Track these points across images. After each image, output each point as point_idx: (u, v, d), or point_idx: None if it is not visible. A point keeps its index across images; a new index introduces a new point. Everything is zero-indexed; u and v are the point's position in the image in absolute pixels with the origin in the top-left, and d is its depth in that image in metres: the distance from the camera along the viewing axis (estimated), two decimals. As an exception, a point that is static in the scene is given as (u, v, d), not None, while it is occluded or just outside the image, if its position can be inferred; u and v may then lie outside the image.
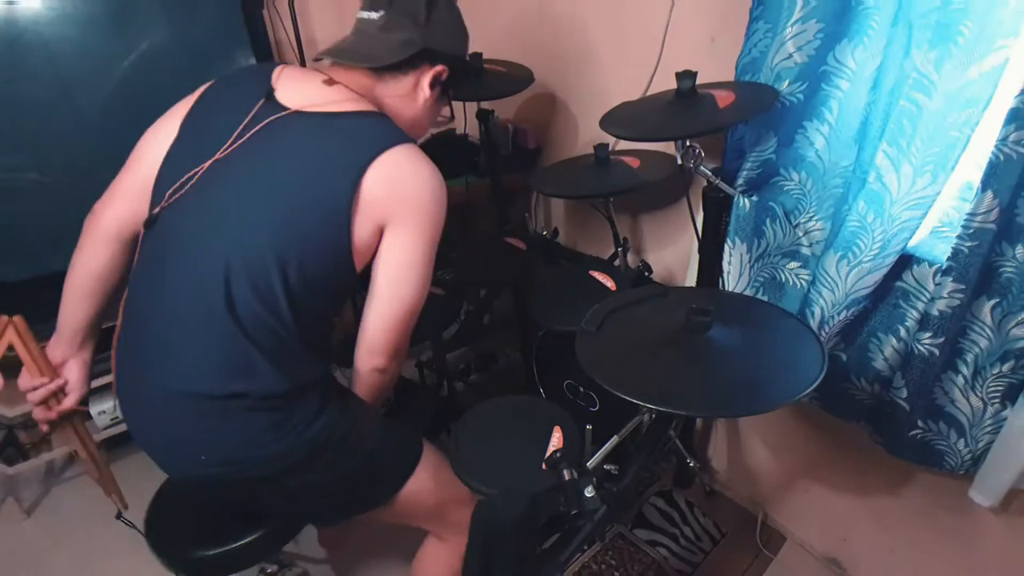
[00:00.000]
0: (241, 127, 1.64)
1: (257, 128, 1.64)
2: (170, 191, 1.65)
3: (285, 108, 1.67)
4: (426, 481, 1.90)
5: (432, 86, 1.86)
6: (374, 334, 1.75)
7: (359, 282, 1.71)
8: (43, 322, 2.69)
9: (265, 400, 1.60)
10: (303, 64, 3.26)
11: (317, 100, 1.69)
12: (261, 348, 1.58)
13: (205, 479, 1.73)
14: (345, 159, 1.61)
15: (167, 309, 1.64)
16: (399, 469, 1.89)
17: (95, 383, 2.76)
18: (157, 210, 1.67)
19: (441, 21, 1.81)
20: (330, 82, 1.76)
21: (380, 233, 1.66)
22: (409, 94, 1.87)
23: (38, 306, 2.72)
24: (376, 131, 1.68)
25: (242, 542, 1.89)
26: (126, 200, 1.84)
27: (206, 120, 1.75)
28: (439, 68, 1.85)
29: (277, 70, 1.78)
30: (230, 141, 1.64)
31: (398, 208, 1.64)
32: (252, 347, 1.57)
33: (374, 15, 1.78)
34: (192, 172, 1.64)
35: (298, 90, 1.73)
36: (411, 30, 1.76)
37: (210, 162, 1.64)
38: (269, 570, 2.37)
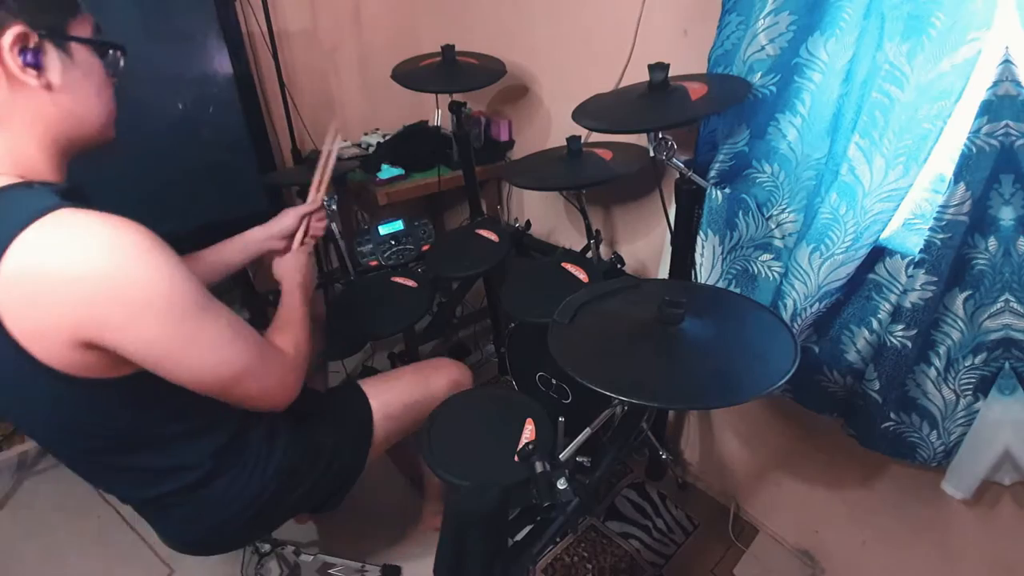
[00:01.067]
0: None
1: None
2: None
3: None
4: (387, 421, 2.04)
5: (32, 63, 1.25)
6: (241, 406, 1.55)
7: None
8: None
9: (205, 475, 1.64)
10: (276, 58, 3.26)
11: None
12: (148, 458, 1.55)
13: (210, 542, 1.85)
14: None
15: None
16: (362, 435, 1.99)
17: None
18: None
19: None
20: None
21: (92, 348, 1.24)
22: (24, 102, 1.29)
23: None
24: None
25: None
26: None
27: None
28: (8, 37, 1.21)
29: None
30: None
31: (91, 315, 1.19)
32: (137, 461, 1.55)
33: None
34: None
35: None
36: None
37: None
38: (263, 549, 2.39)
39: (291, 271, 2.01)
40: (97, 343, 1.21)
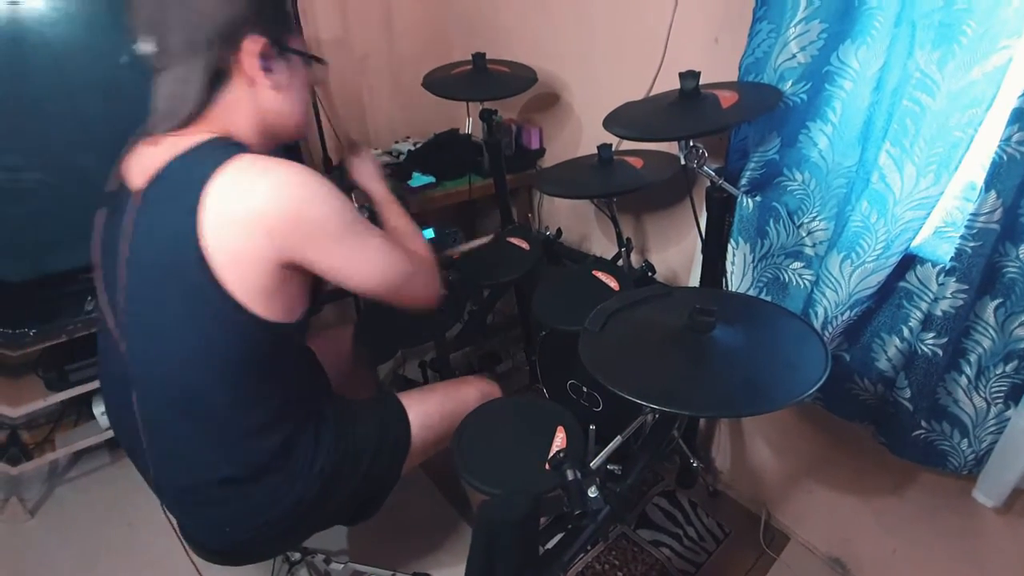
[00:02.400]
0: (123, 243, 1.54)
1: (127, 230, 1.53)
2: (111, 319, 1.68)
3: (130, 195, 1.55)
4: (424, 431, 2.06)
5: (266, 68, 1.57)
6: (404, 305, 1.78)
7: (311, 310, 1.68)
8: (46, 322, 2.69)
9: (260, 468, 1.69)
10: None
11: (151, 163, 1.51)
12: (234, 430, 1.65)
13: (243, 545, 1.85)
14: (178, 214, 1.41)
15: (146, 419, 1.68)
16: (399, 444, 2.01)
17: (98, 383, 2.77)
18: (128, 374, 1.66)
19: None
20: (154, 141, 1.55)
21: (287, 267, 1.48)
22: (246, 95, 1.59)
23: (39, 306, 2.72)
24: (200, 163, 1.45)
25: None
26: None
27: (104, 244, 1.68)
28: (252, 44, 1.52)
29: (128, 157, 1.66)
30: (121, 262, 1.55)
31: (287, 237, 1.43)
32: (225, 433, 1.65)
33: (147, 46, 1.50)
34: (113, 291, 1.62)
35: (135, 166, 1.60)
36: (184, 31, 1.48)
37: (121, 286, 1.57)
38: (293, 558, 2.41)
39: (375, 177, 2.27)
40: (297, 261, 1.48)
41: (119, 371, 1.66)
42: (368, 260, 1.62)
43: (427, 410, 2.09)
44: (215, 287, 1.42)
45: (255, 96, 1.59)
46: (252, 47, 1.52)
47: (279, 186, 1.43)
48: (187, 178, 1.43)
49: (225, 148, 1.48)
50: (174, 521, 1.86)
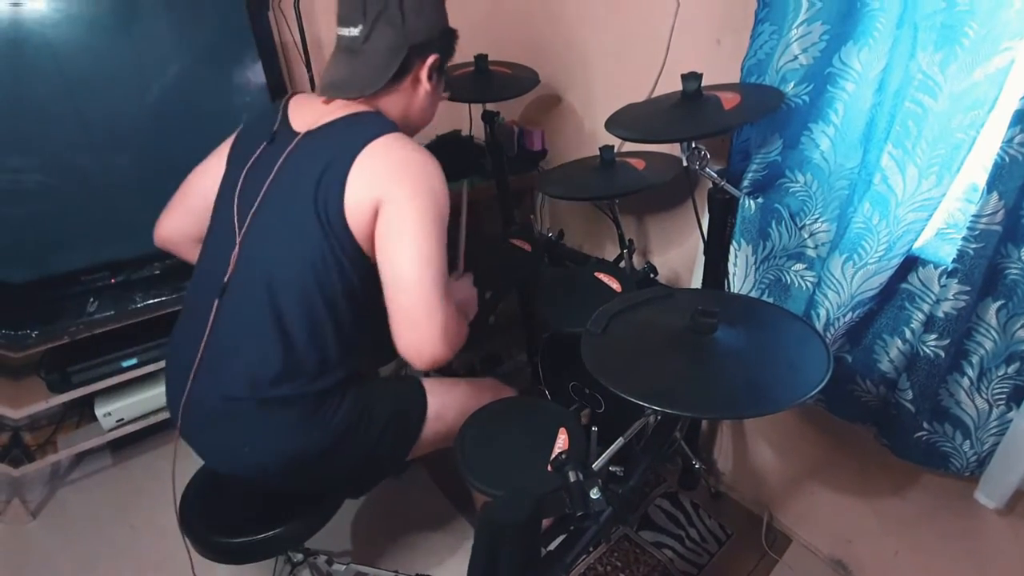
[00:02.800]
0: (275, 164, 1.86)
1: (281, 160, 1.85)
2: (238, 235, 1.88)
3: (296, 134, 1.88)
4: (437, 422, 2.12)
5: (430, 77, 1.96)
6: (397, 323, 1.78)
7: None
8: (48, 324, 2.70)
9: (300, 399, 1.84)
10: (308, 67, 3.27)
11: (319, 117, 1.88)
12: (304, 355, 1.82)
13: (249, 470, 1.94)
14: (339, 156, 1.75)
15: (222, 324, 1.86)
16: (412, 425, 2.08)
17: (101, 385, 2.77)
18: (228, 277, 1.87)
19: (416, 9, 1.85)
20: (327, 101, 1.92)
21: (376, 214, 1.75)
22: (409, 92, 1.97)
23: (41, 307, 2.72)
24: (366, 126, 1.82)
25: (271, 532, 1.98)
26: (175, 229, 2.19)
27: (244, 160, 1.95)
28: (432, 59, 1.94)
29: (291, 101, 2.03)
30: (267, 182, 1.85)
31: (388, 183, 1.73)
32: (296, 354, 1.81)
33: (353, 31, 1.85)
34: (246, 211, 1.88)
35: (304, 114, 1.94)
36: (393, 35, 1.84)
37: (258, 201, 1.86)
38: (295, 559, 2.41)
39: (461, 295, 2.36)
40: (381, 203, 1.73)
41: (214, 282, 1.87)
42: (419, 251, 1.73)
43: (445, 402, 2.14)
44: (342, 221, 1.74)
45: (415, 94, 1.98)
46: (431, 60, 1.93)
47: (415, 151, 1.80)
48: (354, 132, 1.80)
49: (386, 123, 1.84)
50: (177, 513, 1.88)
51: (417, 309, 1.74)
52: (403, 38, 1.85)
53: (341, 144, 1.79)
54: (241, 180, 1.92)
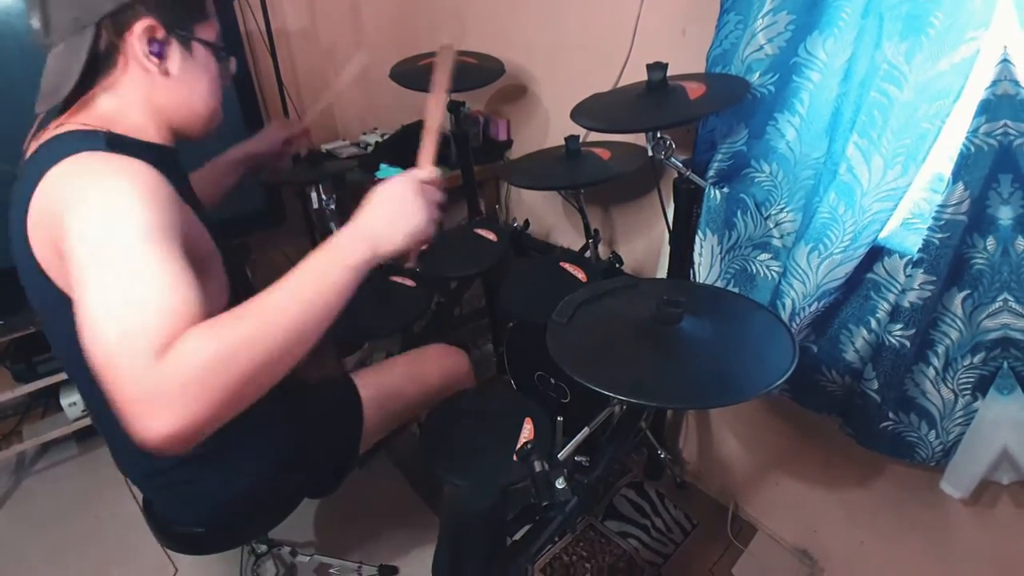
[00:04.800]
0: None
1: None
2: None
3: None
4: (379, 410, 2.03)
5: (156, 53, 1.45)
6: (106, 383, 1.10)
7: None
8: (13, 313, 2.68)
9: (204, 459, 1.66)
10: (274, 57, 3.26)
11: (29, 146, 1.46)
12: None
13: (207, 522, 1.85)
14: (18, 208, 1.32)
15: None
16: (352, 426, 1.99)
17: (65, 375, 2.76)
18: None
19: None
20: (37, 130, 1.47)
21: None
22: (136, 83, 1.48)
23: (6, 297, 2.70)
24: (48, 155, 1.30)
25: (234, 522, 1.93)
26: None
27: None
28: (140, 26, 1.40)
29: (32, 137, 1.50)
30: None
31: (58, 222, 1.20)
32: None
33: (34, 22, 1.41)
34: None
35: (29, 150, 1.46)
36: (69, 7, 1.38)
37: None
38: (259, 550, 2.40)
39: (376, 199, 1.50)
40: (61, 254, 1.22)
41: None
42: (99, 302, 1.12)
43: (382, 390, 2.08)
44: (45, 281, 1.32)
45: (149, 83, 1.47)
46: (138, 30, 1.39)
47: (80, 176, 1.26)
48: (34, 171, 1.29)
49: (79, 141, 1.33)
50: (140, 503, 1.87)
51: (110, 385, 1.07)
52: (83, 9, 1.37)
53: (21, 190, 1.32)
54: None
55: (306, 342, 1.25)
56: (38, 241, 1.29)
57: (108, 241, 1.16)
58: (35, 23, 1.41)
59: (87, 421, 3.13)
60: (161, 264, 1.16)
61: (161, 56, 1.46)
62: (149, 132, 1.52)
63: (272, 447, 1.77)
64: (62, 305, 1.27)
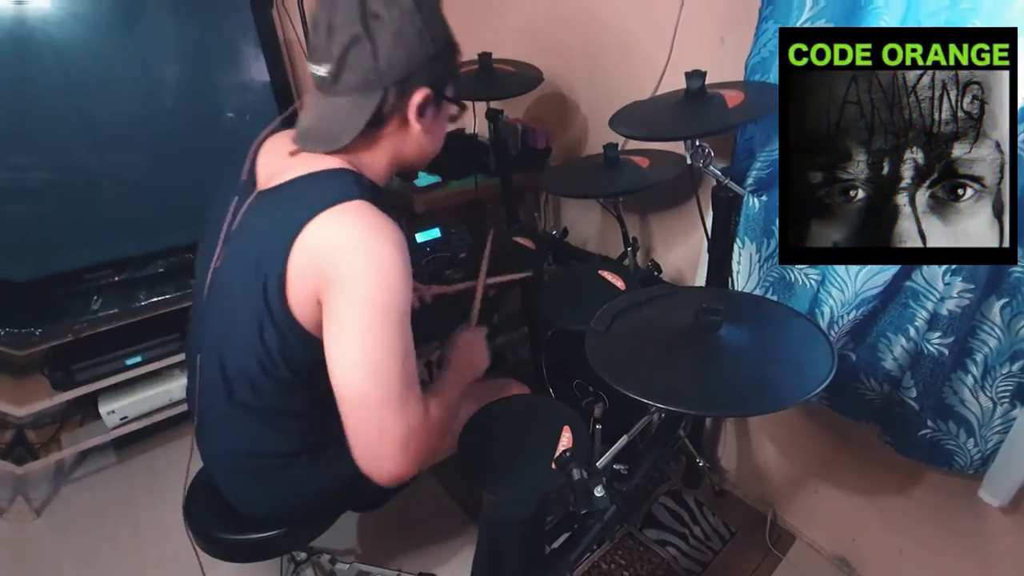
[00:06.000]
0: (225, 225, 1.68)
1: (238, 218, 1.65)
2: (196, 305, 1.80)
3: (256, 188, 1.66)
4: (452, 435, 1.98)
5: (421, 114, 1.61)
6: (351, 435, 1.49)
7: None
8: (52, 322, 2.70)
9: (285, 459, 1.80)
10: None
11: (280, 171, 1.62)
12: (275, 431, 1.76)
13: (274, 517, 1.95)
14: (284, 227, 1.48)
15: (203, 391, 1.79)
16: None
17: (105, 383, 2.77)
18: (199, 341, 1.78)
19: (394, 37, 1.49)
20: (294, 152, 1.63)
21: (320, 306, 1.49)
22: (394, 137, 1.66)
23: (45, 305, 2.72)
24: (322, 189, 1.52)
25: (277, 531, 1.95)
26: None
27: (214, 220, 1.75)
28: (419, 96, 1.58)
29: (264, 144, 1.79)
30: (220, 243, 1.68)
31: (332, 268, 1.44)
32: (248, 419, 1.73)
33: (321, 70, 1.54)
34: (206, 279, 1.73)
35: (269, 164, 1.70)
36: (364, 73, 1.51)
37: (210, 272, 1.71)
38: (299, 557, 2.42)
39: (466, 359, 2.06)
40: (321, 297, 1.47)
41: (195, 335, 1.81)
42: (364, 359, 1.43)
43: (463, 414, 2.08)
44: (282, 299, 1.50)
45: (403, 137, 1.66)
46: (418, 98, 1.57)
47: (371, 229, 1.47)
48: (308, 198, 1.50)
49: (349, 186, 1.53)
50: (182, 508, 1.89)
51: (367, 427, 1.47)
52: (376, 76, 1.51)
53: (290, 212, 1.50)
54: (206, 240, 1.77)
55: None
56: (297, 270, 1.47)
57: (385, 290, 1.44)
58: (321, 72, 1.53)
59: (125, 429, 3.16)
60: (407, 333, 1.50)
61: (423, 116, 1.62)
62: (383, 174, 1.72)
63: (344, 466, 1.70)
64: (283, 326, 1.54)
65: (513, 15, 3.39)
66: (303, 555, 2.46)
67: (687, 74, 2.03)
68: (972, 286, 1.71)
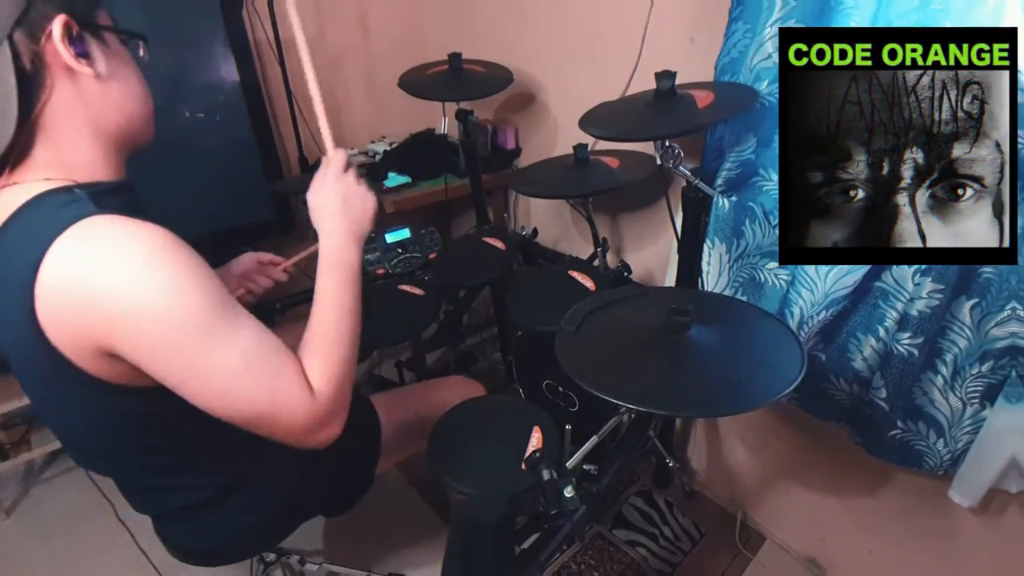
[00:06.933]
0: None
1: None
2: None
3: None
4: (396, 435, 2.05)
5: (80, 54, 1.21)
6: (270, 438, 1.32)
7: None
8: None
9: (214, 498, 1.65)
10: (282, 66, 3.25)
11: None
12: (153, 479, 1.60)
13: (219, 549, 1.86)
14: (11, 304, 1.15)
15: None
16: (370, 451, 2.00)
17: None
18: None
19: None
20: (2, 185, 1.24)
21: (115, 358, 1.19)
22: (71, 99, 1.24)
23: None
24: (27, 237, 1.15)
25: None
26: None
27: None
28: (56, 28, 1.16)
29: None
30: None
31: (97, 323, 1.14)
32: (145, 481, 1.62)
33: None
34: None
35: None
36: None
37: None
38: (268, 558, 2.42)
39: (324, 210, 1.59)
40: (116, 354, 1.17)
41: None
42: (209, 383, 1.22)
43: (402, 416, 2.08)
44: (66, 365, 1.20)
45: (80, 94, 1.24)
46: (56, 30, 1.16)
47: (114, 260, 1.13)
48: (25, 242, 1.15)
49: (64, 206, 1.17)
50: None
51: (272, 427, 1.29)
52: None
53: (8, 279, 1.16)
54: None
55: (359, 324, 1.50)
56: (57, 324, 1.15)
57: (189, 324, 1.17)
58: None
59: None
60: (242, 321, 1.27)
61: (87, 56, 1.23)
62: (104, 167, 1.35)
63: (288, 477, 1.75)
64: (79, 384, 1.23)
65: (483, 15, 3.38)
66: (272, 556, 2.45)
67: (657, 74, 2.03)
68: (942, 286, 1.71)
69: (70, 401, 1.34)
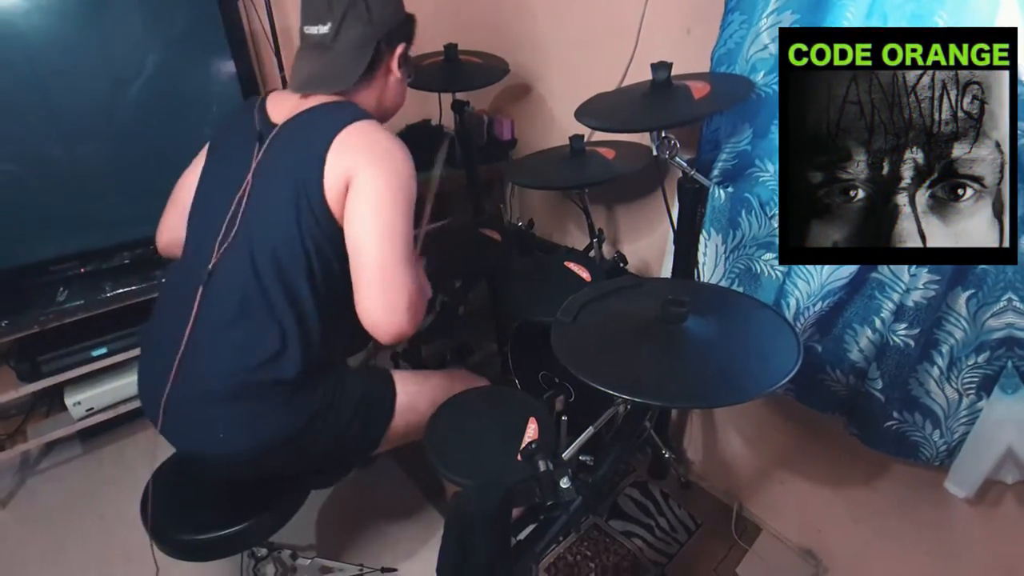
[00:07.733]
0: (255, 162, 1.91)
1: (263, 148, 1.91)
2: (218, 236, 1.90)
3: (275, 124, 1.93)
4: (408, 412, 2.11)
5: (400, 66, 2.07)
6: (360, 294, 1.79)
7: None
8: (18, 313, 2.67)
9: (280, 385, 1.84)
10: (278, 56, 3.25)
11: (297, 106, 1.94)
12: (290, 339, 1.84)
13: (218, 457, 1.94)
14: (317, 138, 1.82)
15: (207, 311, 1.87)
16: (383, 412, 2.07)
17: (71, 374, 2.75)
18: (212, 264, 1.88)
19: (382, 1, 1.96)
20: (304, 96, 1.96)
21: (347, 189, 1.81)
22: (381, 83, 2.07)
23: (11, 297, 2.69)
24: (342, 111, 1.90)
25: (236, 528, 1.96)
26: (172, 231, 2.17)
27: (223, 158, 2.07)
28: (400, 48, 2.05)
29: (267, 98, 2.06)
30: (251, 170, 1.90)
31: (360, 161, 1.80)
32: (283, 339, 1.84)
33: (323, 28, 1.93)
34: (229, 208, 1.90)
35: (281, 108, 1.97)
36: (361, 29, 1.93)
37: (239, 194, 1.89)
38: (259, 553, 2.42)
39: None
40: (349, 184, 1.80)
41: (198, 270, 1.89)
42: (383, 223, 1.79)
43: (416, 393, 2.13)
44: (320, 197, 1.80)
45: (386, 83, 2.09)
46: (400, 50, 2.05)
47: (388, 138, 1.87)
48: (332, 117, 1.88)
49: (360, 111, 1.92)
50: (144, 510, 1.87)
51: (380, 280, 1.77)
52: (371, 32, 1.94)
53: (320, 128, 1.85)
54: (224, 174, 2.00)
55: None
56: (331, 168, 1.79)
57: (404, 187, 1.84)
58: (324, 31, 1.92)
59: (91, 420, 3.13)
60: (411, 221, 1.86)
61: (401, 68, 2.08)
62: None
63: (313, 403, 1.91)
64: (320, 215, 1.82)
65: (479, 6, 3.39)
66: (263, 551, 2.45)
67: (653, 65, 2.04)
68: (938, 277, 1.71)
69: (303, 216, 1.82)
